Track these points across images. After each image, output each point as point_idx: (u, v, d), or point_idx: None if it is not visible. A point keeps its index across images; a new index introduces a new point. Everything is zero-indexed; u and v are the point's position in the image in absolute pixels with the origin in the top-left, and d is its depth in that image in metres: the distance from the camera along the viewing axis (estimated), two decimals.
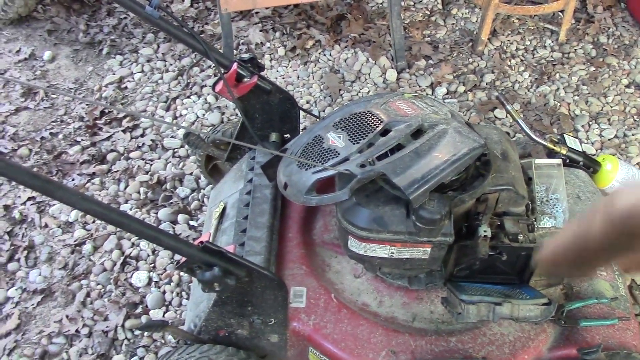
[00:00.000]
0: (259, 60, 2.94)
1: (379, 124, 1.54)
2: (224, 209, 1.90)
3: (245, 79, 1.86)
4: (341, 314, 1.64)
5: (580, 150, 2.03)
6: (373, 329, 1.62)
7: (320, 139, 1.58)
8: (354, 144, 1.51)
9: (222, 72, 1.83)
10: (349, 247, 1.55)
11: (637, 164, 2.50)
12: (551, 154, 2.02)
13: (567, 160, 2.01)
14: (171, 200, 2.42)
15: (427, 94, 2.84)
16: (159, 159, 2.61)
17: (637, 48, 3.07)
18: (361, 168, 1.46)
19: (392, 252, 1.51)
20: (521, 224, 1.62)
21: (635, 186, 0.65)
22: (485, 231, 1.49)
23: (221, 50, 2.81)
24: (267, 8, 3.20)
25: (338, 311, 1.64)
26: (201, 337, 1.61)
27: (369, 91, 2.85)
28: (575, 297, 1.76)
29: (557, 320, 1.69)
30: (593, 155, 2.56)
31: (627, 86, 2.88)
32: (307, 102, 2.81)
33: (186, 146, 2.57)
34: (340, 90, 2.85)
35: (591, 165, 2.03)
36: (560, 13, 3.12)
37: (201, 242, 1.38)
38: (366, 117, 1.57)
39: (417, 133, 1.52)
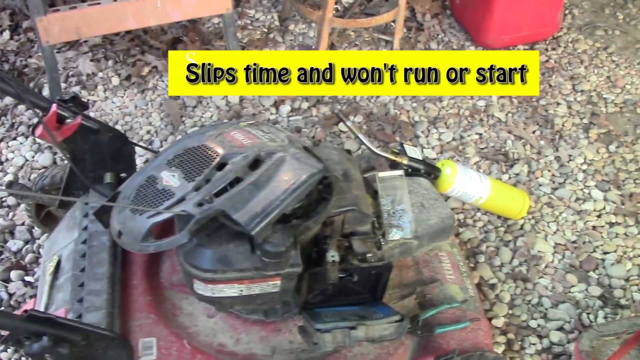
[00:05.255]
0: (83, 98, 2.78)
1: (215, 158, 1.47)
2: (58, 263, 1.74)
3: (68, 120, 1.72)
4: None
5: (420, 159, 2.09)
6: None
7: (153, 180, 1.48)
8: (189, 181, 1.43)
9: (41, 115, 1.68)
10: (196, 290, 1.47)
11: (474, 163, 2.63)
12: (393, 165, 2.06)
13: (409, 170, 2.05)
14: (2, 256, 2.19)
15: (271, 113, 2.81)
16: None
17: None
18: (199, 207, 1.38)
19: (241, 290, 1.45)
20: (369, 243, 1.62)
21: None
22: (333, 256, 1.47)
23: (47, 87, 2.62)
24: (96, 36, 3.02)
25: (192, 358, 1.55)
26: None
27: (211, 115, 2.77)
28: (429, 305, 1.80)
29: (414, 331, 1.71)
30: (434, 159, 2.66)
31: None
32: (148, 132, 2.67)
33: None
34: (181, 117, 2.75)
35: (432, 172, 2.09)
36: (392, 23, 3.22)
37: (25, 311, 1.24)
38: (201, 152, 1.50)
39: (255, 164, 1.46)
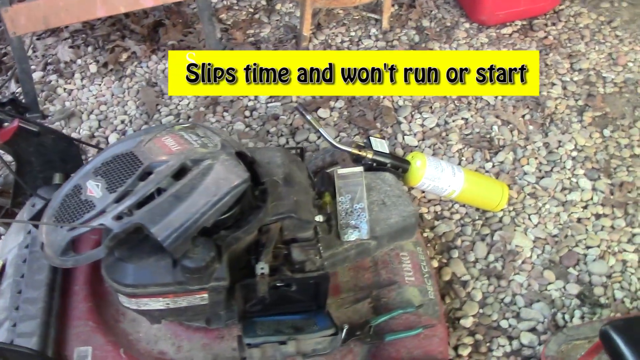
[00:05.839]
0: (60, 87, 2.74)
1: (139, 167, 1.41)
2: (3, 267, 1.72)
3: (6, 124, 1.69)
4: None
5: (387, 152, 2.00)
6: None
7: (79, 189, 1.44)
8: (110, 192, 1.38)
9: None
10: (122, 303, 1.43)
11: (456, 151, 2.52)
12: (358, 159, 1.98)
13: (374, 164, 1.97)
14: None
15: (249, 100, 2.73)
16: None
17: (458, 30, 3.10)
18: (118, 221, 1.33)
19: (167, 304, 1.41)
20: (310, 251, 1.55)
21: None
22: (262, 268, 1.41)
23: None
24: (65, 25, 2.95)
25: None
26: None
27: (188, 103, 2.71)
28: (383, 310, 1.73)
29: (364, 338, 1.65)
30: (415, 147, 2.56)
31: None
32: (122, 122, 2.63)
33: None
34: (157, 105, 2.69)
35: (400, 166, 2.00)
36: (382, 0, 3.09)
37: None
38: (126, 160, 1.44)
39: (181, 173, 1.40)
